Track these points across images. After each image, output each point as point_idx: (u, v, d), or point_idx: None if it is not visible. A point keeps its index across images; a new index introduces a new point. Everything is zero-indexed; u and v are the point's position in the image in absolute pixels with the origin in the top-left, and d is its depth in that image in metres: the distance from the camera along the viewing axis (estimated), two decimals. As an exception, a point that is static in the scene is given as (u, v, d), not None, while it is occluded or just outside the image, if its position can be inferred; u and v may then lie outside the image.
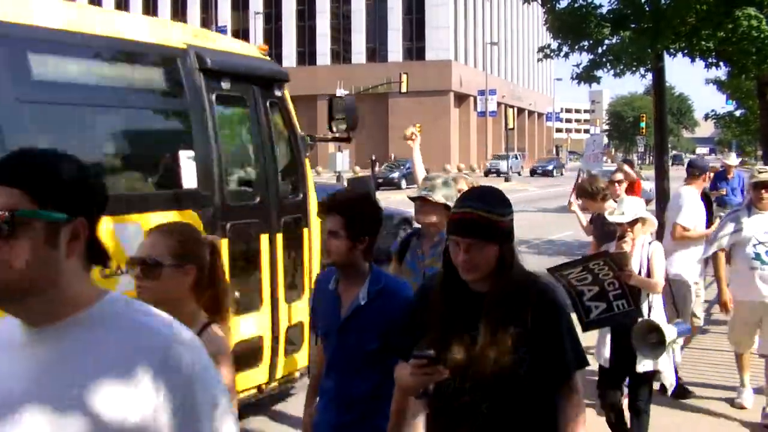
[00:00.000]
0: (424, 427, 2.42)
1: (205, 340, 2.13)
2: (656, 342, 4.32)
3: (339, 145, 49.16)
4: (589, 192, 6.02)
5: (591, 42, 12.16)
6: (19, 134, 3.66)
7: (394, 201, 24.16)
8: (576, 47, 12.39)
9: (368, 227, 2.89)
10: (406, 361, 2.30)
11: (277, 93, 5.34)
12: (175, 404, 1.24)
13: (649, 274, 4.54)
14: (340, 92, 47.84)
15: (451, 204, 3.35)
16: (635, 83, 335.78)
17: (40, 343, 1.28)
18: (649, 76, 12.82)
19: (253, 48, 5.68)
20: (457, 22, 62.31)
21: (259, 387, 5.13)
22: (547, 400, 2.33)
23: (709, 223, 9.50)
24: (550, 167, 55.80)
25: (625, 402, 4.71)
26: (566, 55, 12.58)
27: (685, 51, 11.76)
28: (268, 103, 5.22)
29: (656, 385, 5.09)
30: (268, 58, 5.70)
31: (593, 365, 5.55)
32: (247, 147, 5.36)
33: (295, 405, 5.34)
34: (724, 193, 11.90)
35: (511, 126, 55.25)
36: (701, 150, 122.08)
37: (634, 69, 12.21)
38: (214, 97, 4.75)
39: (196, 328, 2.20)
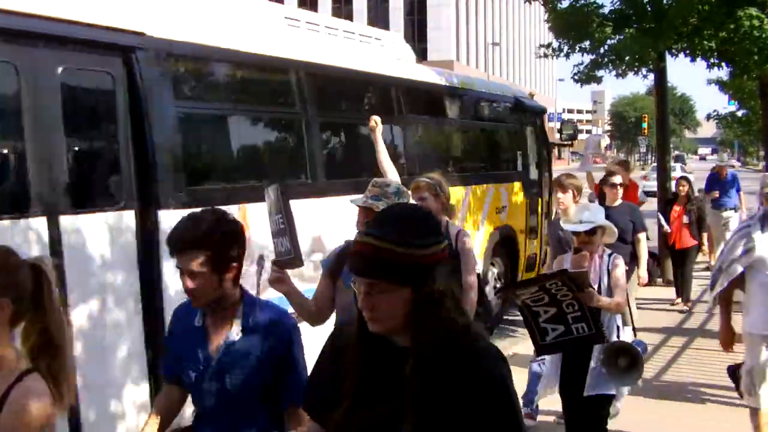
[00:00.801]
0: None
1: (15, 396, 1.81)
2: (628, 366, 3.88)
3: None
4: (562, 187, 5.57)
5: (593, 42, 12.15)
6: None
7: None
8: (577, 47, 12.39)
9: (235, 251, 2.42)
10: (314, 420, 1.93)
11: (541, 117, 10.51)
12: None
13: (610, 291, 4.02)
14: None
15: None
16: (637, 83, 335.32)
17: None
18: (651, 76, 12.82)
19: (527, 94, 11.39)
20: (459, 22, 62.33)
21: None
22: None
23: (699, 237, 9.46)
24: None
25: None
26: (567, 55, 12.56)
27: (687, 51, 11.75)
28: (537, 122, 10.28)
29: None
30: (535, 99, 11.39)
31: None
32: (533, 147, 10.07)
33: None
34: (717, 195, 11.80)
35: (512, 126, 55.24)
36: (703, 150, 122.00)
37: (636, 69, 12.19)
38: (531, 126, 10.07)
39: (7, 379, 1.85)
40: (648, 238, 6.82)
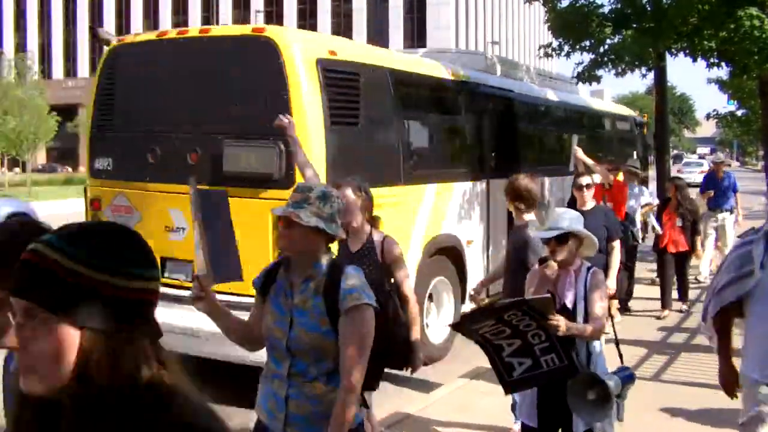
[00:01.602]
0: None
1: None
2: (598, 399, 3.35)
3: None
4: (519, 195, 4.67)
5: (592, 41, 12.15)
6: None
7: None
8: (577, 46, 12.39)
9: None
10: None
11: (642, 128, 15.25)
12: None
13: (586, 314, 3.48)
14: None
15: (323, 226, 2.71)
16: (637, 83, 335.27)
17: None
18: (651, 75, 12.84)
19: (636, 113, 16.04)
20: (459, 21, 62.29)
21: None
22: None
23: (692, 243, 8.89)
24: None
25: None
26: (567, 55, 12.57)
27: (687, 51, 11.77)
28: (641, 131, 15.20)
29: None
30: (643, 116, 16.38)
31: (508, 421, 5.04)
32: (639, 147, 14.47)
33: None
34: (712, 194, 11.30)
35: (512, 125, 55.18)
36: (702, 150, 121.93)
37: (635, 68, 12.20)
38: (639, 134, 14.98)
39: None
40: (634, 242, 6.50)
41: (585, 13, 12.07)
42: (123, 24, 68.19)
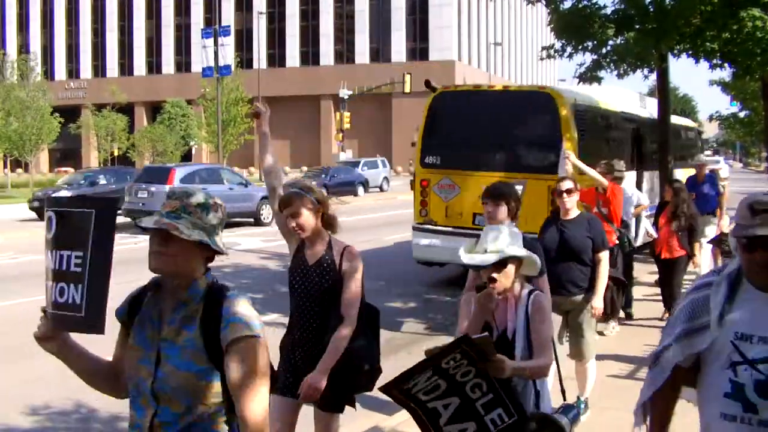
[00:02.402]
0: None
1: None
2: None
3: (342, 144, 49.28)
4: (494, 195, 4.07)
5: (595, 42, 12.14)
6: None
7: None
8: (580, 47, 12.38)
9: None
10: None
11: (701, 134, 21.23)
12: None
13: (530, 346, 3.04)
14: (344, 92, 47.95)
15: (207, 240, 2.20)
16: (639, 84, 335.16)
17: None
18: (653, 76, 12.82)
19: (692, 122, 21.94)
20: (461, 22, 62.32)
21: None
22: None
23: (690, 249, 8.40)
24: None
25: None
26: (570, 56, 12.56)
27: (690, 52, 11.74)
28: (700, 137, 21.19)
29: None
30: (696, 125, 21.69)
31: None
32: (698, 152, 19.14)
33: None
34: (694, 197, 10.64)
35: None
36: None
37: (638, 69, 12.19)
38: (700, 141, 21.00)
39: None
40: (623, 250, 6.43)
41: (587, 14, 12.06)
42: (125, 25, 68.32)
